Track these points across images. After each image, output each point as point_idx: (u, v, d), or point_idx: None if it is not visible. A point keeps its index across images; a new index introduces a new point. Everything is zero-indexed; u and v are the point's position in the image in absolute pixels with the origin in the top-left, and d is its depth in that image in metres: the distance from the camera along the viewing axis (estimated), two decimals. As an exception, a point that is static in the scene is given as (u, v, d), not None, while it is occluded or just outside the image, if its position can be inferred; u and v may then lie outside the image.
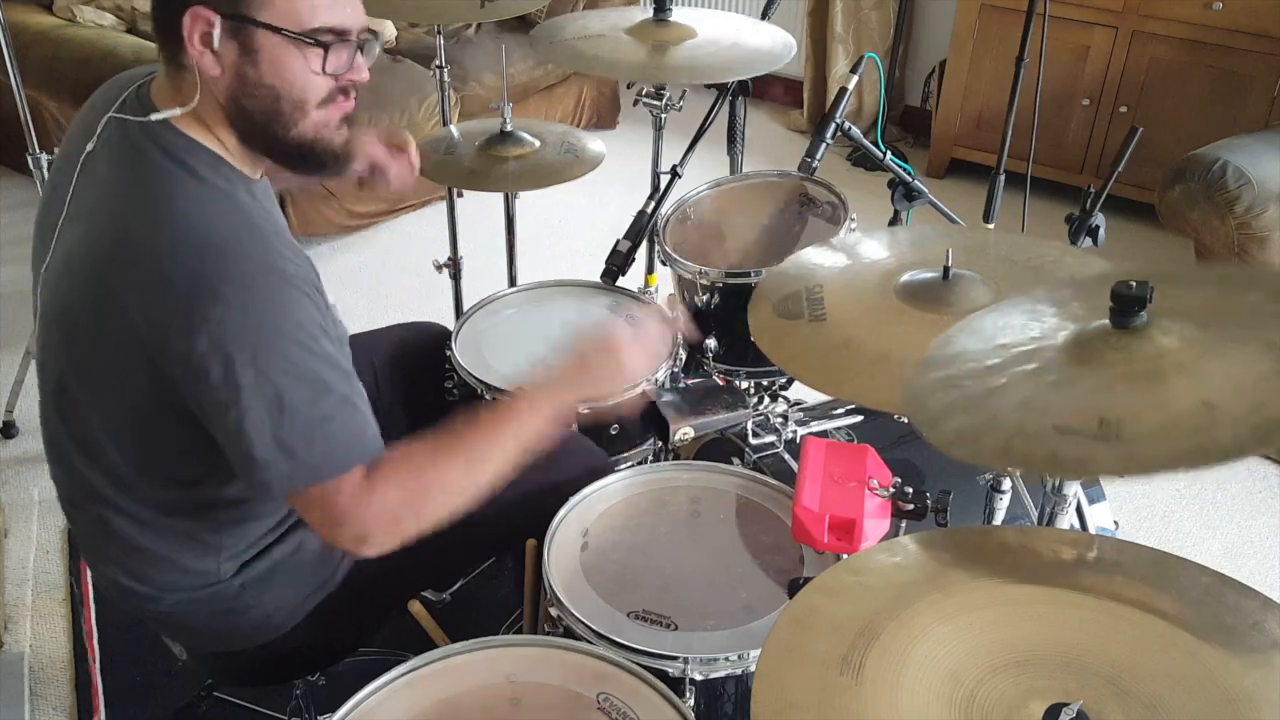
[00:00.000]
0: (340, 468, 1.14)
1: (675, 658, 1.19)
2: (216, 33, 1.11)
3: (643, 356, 1.36)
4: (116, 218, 1.14)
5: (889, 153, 1.93)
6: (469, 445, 1.22)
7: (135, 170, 1.16)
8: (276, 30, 1.13)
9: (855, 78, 1.92)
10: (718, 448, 1.86)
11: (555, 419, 1.27)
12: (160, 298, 1.09)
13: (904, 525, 1.30)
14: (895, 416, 1.93)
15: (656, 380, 1.73)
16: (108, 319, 1.13)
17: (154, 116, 1.16)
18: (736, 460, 1.81)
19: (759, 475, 1.50)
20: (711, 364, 1.93)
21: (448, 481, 1.20)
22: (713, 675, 1.21)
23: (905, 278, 1.36)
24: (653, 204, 1.93)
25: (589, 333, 1.36)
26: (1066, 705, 0.82)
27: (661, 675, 1.17)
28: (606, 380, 1.34)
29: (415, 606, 1.43)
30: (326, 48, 1.15)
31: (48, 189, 1.27)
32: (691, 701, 1.20)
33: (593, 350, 1.33)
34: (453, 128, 2.18)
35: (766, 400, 2.04)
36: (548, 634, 1.27)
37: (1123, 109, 3.44)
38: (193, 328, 1.07)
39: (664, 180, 1.98)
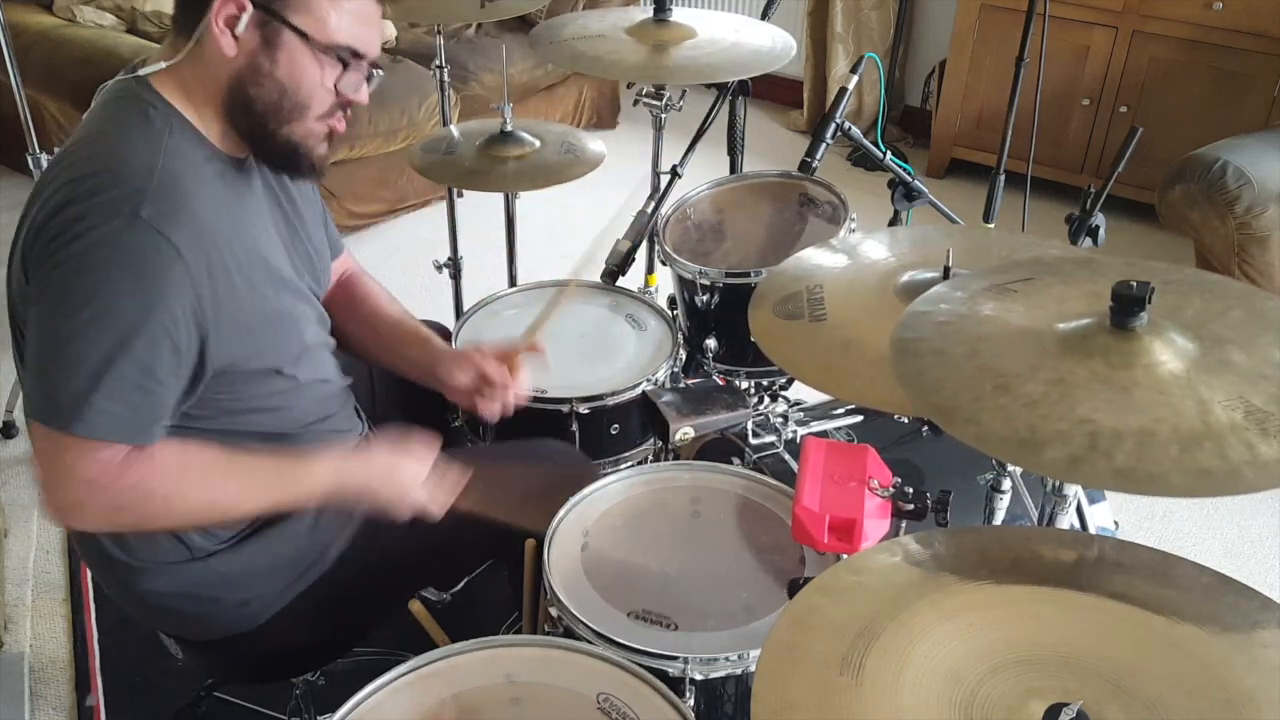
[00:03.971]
0: (111, 435, 1.11)
1: (675, 658, 1.19)
2: (244, 19, 1.14)
3: (424, 492, 1.33)
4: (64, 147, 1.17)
5: (889, 153, 1.93)
6: (244, 481, 1.22)
7: (101, 113, 1.19)
8: (304, 36, 1.16)
9: (855, 78, 1.93)
10: (718, 448, 1.86)
11: (336, 494, 1.28)
12: (52, 189, 1.11)
13: (904, 525, 1.30)
14: (895, 416, 1.93)
15: (656, 381, 1.73)
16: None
17: (141, 71, 1.18)
18: (736, 460, 1.81)
19: (759, 475, 1.50)
20: (711, 364, 1.93)
21: (198, 503, 1.20)
22: (713, 675, 1.21)
23: (905, 278, 1.36)
24: (653, 204, 1.93)
25: (407, 450, 1.33)
26: (1066, 705, 0.82)
27: (661, 675, 1.16)
28: (394, 496, 1.32)
29: (415, 606, 1.42)
30: (345, 65, 1.20)
31: None
32: (691, 701, 1.19)
33: (403, 463, 1.32)
34: (453, 128, 2.18)
35: (766, 400, 2.05)
36: (548, 634, 1.27)
37: (1123, 109, 3.44)
38: (58, 230, 1.08)
39: (664, 180, 1.98)
